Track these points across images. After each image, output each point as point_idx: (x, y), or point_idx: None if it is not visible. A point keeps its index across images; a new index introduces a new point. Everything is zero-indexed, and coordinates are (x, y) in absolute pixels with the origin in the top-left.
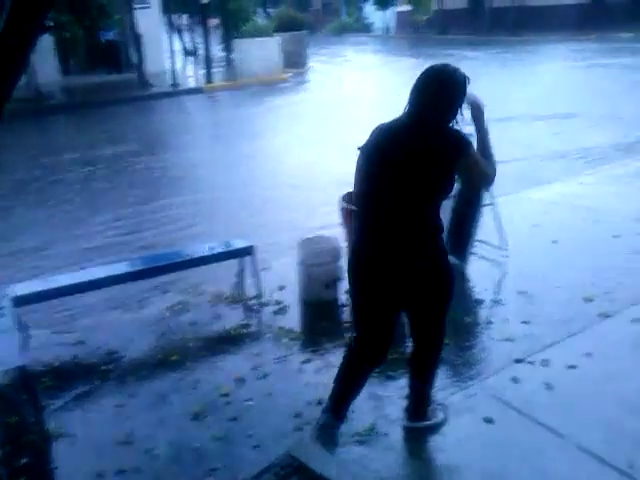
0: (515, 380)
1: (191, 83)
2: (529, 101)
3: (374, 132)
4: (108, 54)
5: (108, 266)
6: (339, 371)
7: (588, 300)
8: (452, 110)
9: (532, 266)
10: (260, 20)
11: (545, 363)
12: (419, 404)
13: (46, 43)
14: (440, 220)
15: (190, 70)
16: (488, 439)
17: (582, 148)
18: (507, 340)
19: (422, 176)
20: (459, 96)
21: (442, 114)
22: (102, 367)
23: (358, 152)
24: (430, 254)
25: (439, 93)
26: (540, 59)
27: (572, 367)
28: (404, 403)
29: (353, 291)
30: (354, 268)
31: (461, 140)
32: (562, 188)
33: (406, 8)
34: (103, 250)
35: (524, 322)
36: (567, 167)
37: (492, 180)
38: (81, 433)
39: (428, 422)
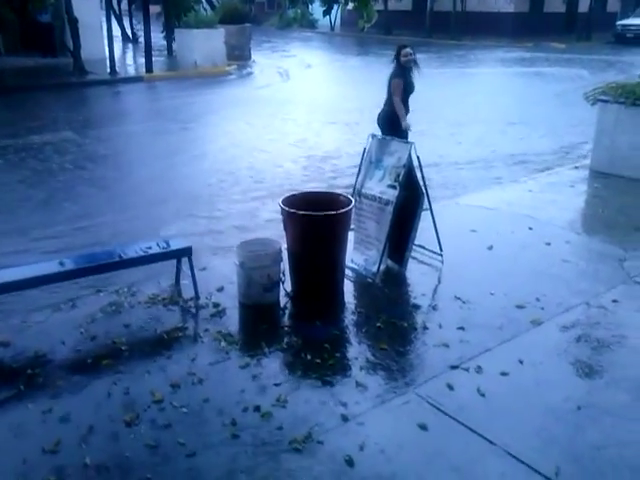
0: (450, 387)
1: (130, 71)
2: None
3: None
4: (43, 37)
5: (36, 265)
6: None
7: (520, 307)
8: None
9: (468, 272)
10: (204, 10)
11: (479, 370)
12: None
13: None
14: None
15: (130, 58)
16: (422, 446)
17: (512, 154)
18: (443, 346)
19: None
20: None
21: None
22: (28, 371)
23: (397, 80)
24: None
25: None
26: (472, 63)
27: (504, 374)
28: (341, 409)
29: None
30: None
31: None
32: (500, 194)
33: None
34: (38, 247)
35: (459, 328)
36: (506, 173)
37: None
38: (5, 441)
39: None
